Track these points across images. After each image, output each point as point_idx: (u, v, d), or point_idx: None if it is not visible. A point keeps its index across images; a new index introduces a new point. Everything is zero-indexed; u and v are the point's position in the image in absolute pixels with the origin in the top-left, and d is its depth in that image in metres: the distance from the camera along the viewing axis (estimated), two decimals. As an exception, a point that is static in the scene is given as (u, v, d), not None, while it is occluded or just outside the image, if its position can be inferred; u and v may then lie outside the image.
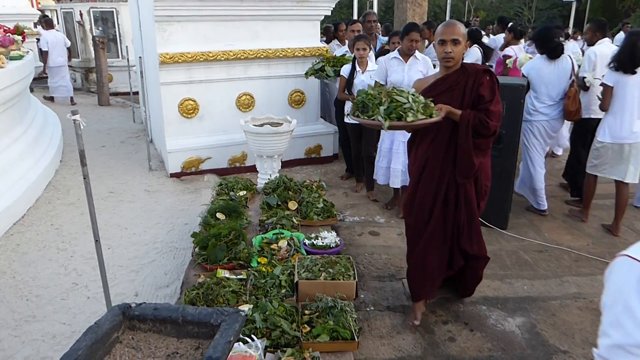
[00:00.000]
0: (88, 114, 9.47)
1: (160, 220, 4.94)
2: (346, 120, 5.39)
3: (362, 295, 3.63)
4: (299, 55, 6.16)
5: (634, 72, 4.34)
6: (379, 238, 4.57)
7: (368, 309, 3.48)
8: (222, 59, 5.76)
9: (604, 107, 4.52)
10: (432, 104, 2.82)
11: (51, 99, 10.62)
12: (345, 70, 5.40)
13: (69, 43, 10.78)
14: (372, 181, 5.45)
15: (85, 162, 2.95)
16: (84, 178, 2.99)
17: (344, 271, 3.07)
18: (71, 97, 10.62)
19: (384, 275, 3.95)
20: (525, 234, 4.69)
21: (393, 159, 4.90)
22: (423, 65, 4.76)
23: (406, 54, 4.74)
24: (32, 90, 9.80)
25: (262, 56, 5.96)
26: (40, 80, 13.27)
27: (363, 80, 5.20)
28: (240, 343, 2.53)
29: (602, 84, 4.53)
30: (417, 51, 4.77)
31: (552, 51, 4.80)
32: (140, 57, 6.49)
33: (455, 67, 3.00)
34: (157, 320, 1.56)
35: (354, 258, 4.12)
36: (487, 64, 7.21)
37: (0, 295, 3.63)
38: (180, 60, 5.54)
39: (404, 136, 4.63)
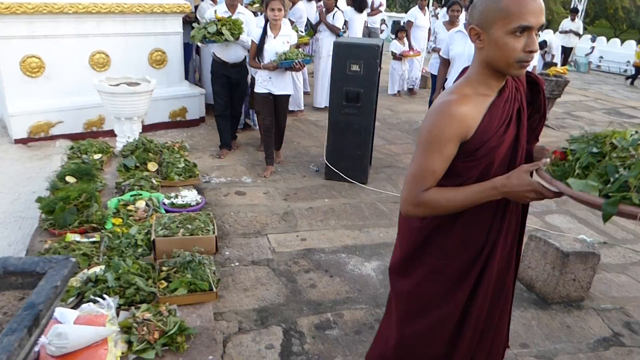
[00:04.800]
0: None
1: (3, 189, 4.46)
2: (256, 90, 4.94)
3: (227, 252, 3.64)
4: (158, 11, 5.83)
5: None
6: (245, 197, 4.59)
7: (233, 265, 3.50)
8: (70, 12, 5.25)
9: None
10: None
11: None
12: (255, 35, 4.86)
13: None
14: (280, 143, 5.40)
15: None
16: None
17: (203, 226, 3.05)
18: None
19: (250, 232, 3.99)
20: (383, 187, 5.01)
21: None
22: None
23: None
24: None
25: (116, 11, 5.53)
26: None
27: (275, 46, 4.74)
28: (91, 304, 2.41)
29: None
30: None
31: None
32: (-31, 8, 5.67)
33: None
34: (-27, 274, 1.43)
35: (220, 217, 4.11)
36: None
37: None
38: (18, 12, 4.94)
39: None
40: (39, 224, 3.40)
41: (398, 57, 8.79)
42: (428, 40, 9.02)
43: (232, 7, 5.25)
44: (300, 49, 5.01)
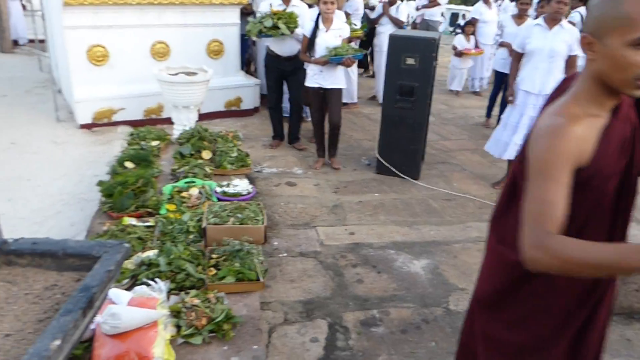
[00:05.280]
0: (-12, 62, 8.71)
1: (68, 171, 4.69)
2: (307, 83, 4.88)
3: (275, 243, 3.67)
4: (217, 3, 5.93)
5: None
6: (295, 188, 4.61)
7: (281, 255, 3.53)
8: (134, 3, 5.43)
9: None
10: None
11: None
12: (307, 28, 4.77)
13: None
14: (335, 149, 5.11)
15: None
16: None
17: (252, 216, 3.09)
18: None
19: (299, 223, 4.00)
20: (435, 184, 4.90)
21: (517, 133, 4.50)
22: (570, 36, 4.24)
23: (552, 21, 4.29)
24: None
25: (177, 2, 5.67)
26: None
27: (326, 40, 4.64)
28: (143, 286, 2.49)
29: None
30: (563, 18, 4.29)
31: None
32: (42, -2, 5.99)
33: None
34: (36, 254, 1.50)
35: (270, 207, 4.15)
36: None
37: None
38: (86, 2, 5.16)
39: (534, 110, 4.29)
40: (99, 207, 3.55)
41: (458, 54, 8.28)
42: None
43: (286, 0, 5.18)
44: (352, 43, 4.86)
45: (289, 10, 5.08)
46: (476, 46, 8.38)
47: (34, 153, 5.05)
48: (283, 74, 5.29)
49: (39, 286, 1.44)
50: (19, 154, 5.01)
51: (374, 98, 7.69)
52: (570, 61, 4.35)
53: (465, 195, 4.68)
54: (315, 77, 4.81)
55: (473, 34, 8.34)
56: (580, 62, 4.37)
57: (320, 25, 4.68)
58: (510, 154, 4.62)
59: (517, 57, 4.60)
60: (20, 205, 4.05)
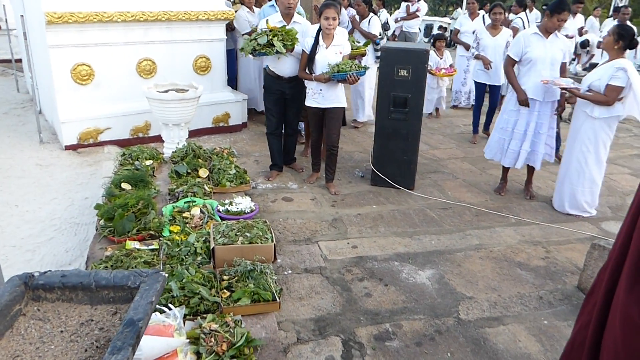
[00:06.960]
0: (-39, 84, 8.44)
1: (57, 195, 4.55)
2: (307, 103, 4.65)
3: (279, 260, 3.61)
4: (203, 18, 5.88)
5: None
6: (292, 203, 4.57)
7: (286, 273, 3.48)
8: (119, 20, 5.34)
9: None
10: None
11: None
12: (307, 44, 4.52)
13: None
14: (333, 173, 4.88)
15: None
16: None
17: (261, 235, 3.03)
18: None
19: (300, 239, 3.96)
20: (430, 194, 4.92)
21: (526, 141, 4.67)
22: (563, 45, 4.56)
23: (547, 32, 4.50)
24: None
25: (163, 18, 5.60)
26: None
27: (326, 56, 4.41)
28: (157, 313, 2.41)
29: None
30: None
31: None
32: (22, 16, 5.83)
33: None
34: (66, 288, 1.42)
35: (269, 224, 4.09)
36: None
37: None
38: (70, 21, 5.05)
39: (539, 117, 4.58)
40: (97, 231, 3.44)
41: (431, 72, 7.23)
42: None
43: (287, 16, 4.77)
44: (354, 60, 4.61)
45: (289, 27, 4.69)
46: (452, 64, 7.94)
47: (18, 177, 4.89)
48: (284, 95, 4.89)
49: (73, 322, 1.37)
50: (2, 178, 4.85)
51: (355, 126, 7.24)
52: (562, 67, 4.57)
53: (461, 204, 4.71)
54: (315, 97, 4.57)
55: (449, 46, 8.04)
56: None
57: (321, 41, 4.46)
58: (521, 162, 4.76)
59: (512, 64, 4.67)
60: (10, 233, 3.91)
